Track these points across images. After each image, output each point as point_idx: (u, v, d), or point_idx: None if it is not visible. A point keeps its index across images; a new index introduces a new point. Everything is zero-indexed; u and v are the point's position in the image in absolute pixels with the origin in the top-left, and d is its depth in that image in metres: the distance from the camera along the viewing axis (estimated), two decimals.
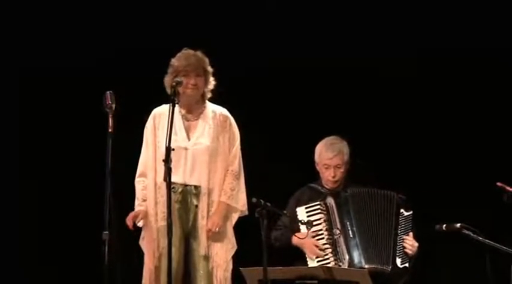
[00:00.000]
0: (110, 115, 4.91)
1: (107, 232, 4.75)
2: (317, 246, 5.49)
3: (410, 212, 5.60)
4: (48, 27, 6.73)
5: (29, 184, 6.72)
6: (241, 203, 5.39)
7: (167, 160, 4.93)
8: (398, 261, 5.50)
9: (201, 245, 5.26)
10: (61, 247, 6.59)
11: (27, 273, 6.62)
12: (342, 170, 5.66)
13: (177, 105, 5.26)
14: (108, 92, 4.98)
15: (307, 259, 5.50)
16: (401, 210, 5.58)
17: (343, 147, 5.68)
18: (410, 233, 5.57)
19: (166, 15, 6.75)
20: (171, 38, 6.32)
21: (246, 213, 5.42)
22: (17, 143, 6.77)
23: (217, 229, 5.25)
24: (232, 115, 5.46)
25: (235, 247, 5.37)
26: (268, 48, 6.67)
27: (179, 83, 5.18)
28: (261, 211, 4.88)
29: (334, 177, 5.65)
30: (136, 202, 5.37)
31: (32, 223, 6.67)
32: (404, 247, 5.52)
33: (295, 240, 5.56)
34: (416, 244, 5.54)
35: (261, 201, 4.90)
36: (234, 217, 5.41)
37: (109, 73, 6.40)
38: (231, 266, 5.32)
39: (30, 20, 6.76)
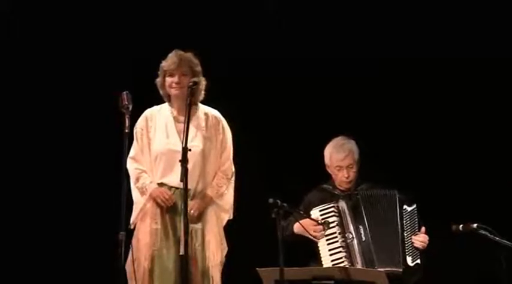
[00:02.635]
0: (126, 116, 4.91)
1: (123, 232, 4.76)
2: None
3: (414, 206, 5.59)
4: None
5: (45, 184, 6.72)
6: (226, 203, 5.35)
7: (183, 161, 4.92)
8: (409, 259, 5.49)
9: (194, 246, 5.21)
10: (77, 247, 6.59)
11: (42, 274, 6.64)
12: (354, 169, 5.65)
13: (169, 107, 5.31)
14: (124, 92, 4.99)
15: (322, 260, 5.50)
16: (404, 206, 5.58)
17: (353, 146, 5.67)
18: (423, 228, 5.56)
19: (164, 16, 6.76)
20: (170, 38, 6.32)
21: (231, 217, 5.40)
22: (32, 142, 6.77)
23: (193, 212, 5.17)
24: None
25: (226, 248, 5.34)
26: (269, 48, 6.67)
27: (196, 84, 5.19)
28: (277, 212, 4.87)
29: (347, 177, 5.63)
30: (142, 181, 5.28)
31: (47, 223, 6.67)
32: (413, 243, 5.51)
33: (296, 228, 5.53)
34: (427, 239, 5.53)
35: (278, 201, 4.89)
36: (224, 218, 5.38)
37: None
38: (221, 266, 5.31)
39: None
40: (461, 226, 5.05)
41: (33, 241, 6.65)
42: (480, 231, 4.99)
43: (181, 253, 5.05)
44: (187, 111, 5.06)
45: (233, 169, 5.39)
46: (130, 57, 6.63)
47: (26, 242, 6.64)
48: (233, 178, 5.39)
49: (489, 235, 4.98)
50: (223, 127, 5.37)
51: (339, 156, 5.63)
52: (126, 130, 4.88)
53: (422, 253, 5.53)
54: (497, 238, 4.97)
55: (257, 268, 5.04)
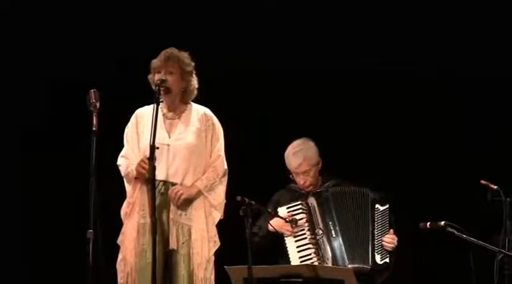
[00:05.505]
0: (94, 114, 4.89)
1: (91, 230, 4.74)
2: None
3: (386, 206, 5.63)
4: None
5: (13, 183, 6.72)
6: (215, 199, 5.29)
7: (151, 158, 4.93)
8: (377, 257, 5.52)
9: (179, 242, 5.19)
10: (45, 246, 6.57)
11: (10, 272, 6.62)
12: (312, 173, 5.67)
13: (160, 104, 5.25)
14: (92, 90, 4.96)
15: (290, 257, 5.51)
16: (377, 205, 5.61)
17: (308, 151, 5.68)
18: (391, 230, 5.59)
19: (160, 15, 6.75)
20: (167, 37, 6.31)
21: (222, 216, 5.34)
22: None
23: (178, 196, 5.13)
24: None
25: (218, 244, 5.30)
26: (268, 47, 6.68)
27: (163, 82, 5.17)
28: (245, 210, 4.88)
29: (304, 183, 5.67)
30: (130, 167, 5.24)
31: (16, 222, 6.66)
32: (382, 244, 5.54)
33: (271, 227, 5.56)
34: (395, 240, 5.56)
35: (246, 199, 4.91)
36: (216, 215, 5.32)
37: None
38: (212, 265, 5.25)
39: None
40: (428, 223, 5.07)
41: (3, 240, 6.65)
42: (448, 229, 5.01)
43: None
44: (156, 109, 5.03)
45: (226, 167, 5.36)
46: (127, 56, 6.61)
47: None
48: (226, 177, 5.36)
49: (457, 233, 5.00)
50: (213, 124, 5.35)
51: (293, 163, 5.67)
52: (94, 129, 4.84)
53: (391, 253, 5.56)
54: (464, 236, 4.99)
55: (225, 266, 5.05)
